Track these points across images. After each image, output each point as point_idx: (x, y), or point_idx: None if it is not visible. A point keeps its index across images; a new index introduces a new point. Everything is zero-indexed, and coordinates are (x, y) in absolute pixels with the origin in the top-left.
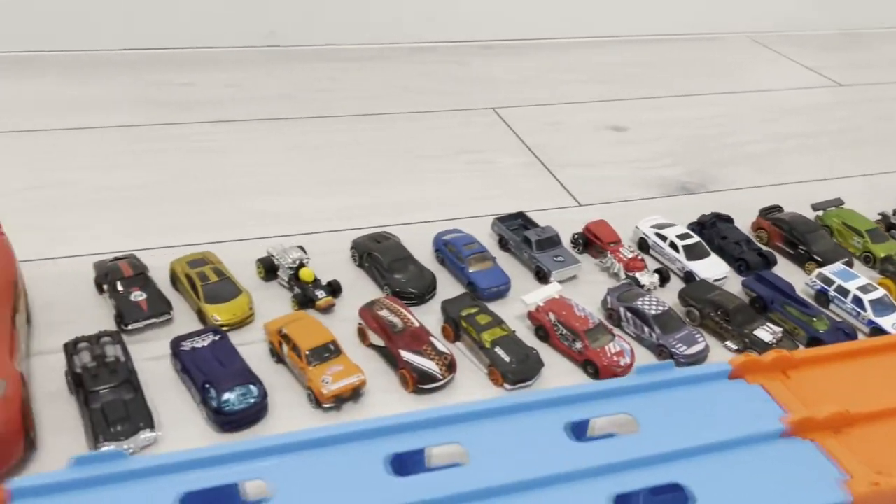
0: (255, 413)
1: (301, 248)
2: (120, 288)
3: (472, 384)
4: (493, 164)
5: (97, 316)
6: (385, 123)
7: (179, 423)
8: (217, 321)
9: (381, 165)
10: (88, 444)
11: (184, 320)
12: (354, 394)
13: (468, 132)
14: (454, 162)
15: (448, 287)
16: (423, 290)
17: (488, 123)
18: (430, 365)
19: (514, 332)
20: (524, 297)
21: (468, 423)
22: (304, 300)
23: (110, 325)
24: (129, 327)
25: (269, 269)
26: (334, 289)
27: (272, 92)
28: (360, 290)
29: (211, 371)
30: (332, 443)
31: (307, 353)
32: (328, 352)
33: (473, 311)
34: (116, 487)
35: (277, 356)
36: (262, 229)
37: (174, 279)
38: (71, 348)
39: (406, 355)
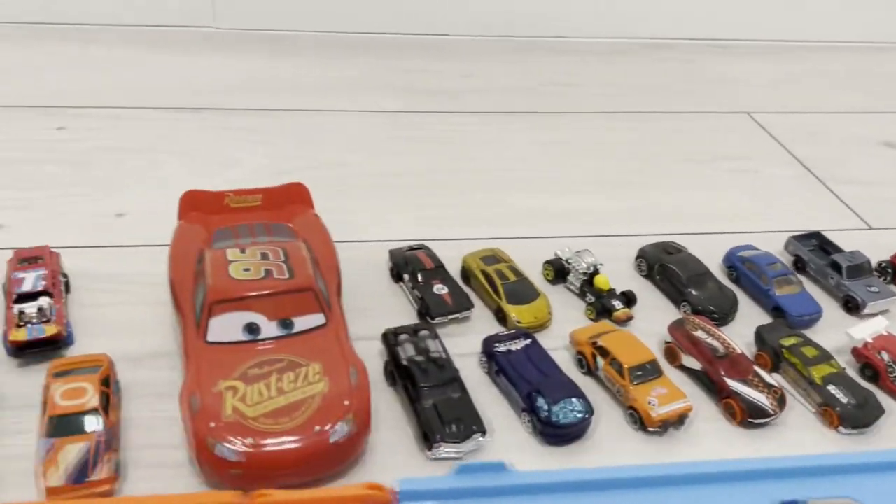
0: (582, 428)
1: (590, 251)
2: (421, 279)
3: (798, 423)
4: (758, 174)
5: (392, 304)
6: (634, 122)
7: (497, 429)
8: (518, 323)
9: (640, 168)
10: (417, 441)
11: (479, 317)
12: (679, 420)
13: (725, 137)
14: (715, 168)
15: (744, 309)
16: (725, 311)
17: (745, 129)
18: (760, 398)
19: (844, 369)
20: (850, 331)
21: (859, 476)
22: (602, 309)
23: (405, 315)
24: (435, 321)
25: (558, 271)
26: (629, 299)
27: (512, 84)
28: (647, 301)
29: (536, 379)
30: (717, 480)
31: (629, 369)
32: (649, 371)
33: (796, 341)
34: (496, 501)
35: (588, 367)
36: (531, 228)
37: (467, 274)
38: (392, 339)
39: (732, 384)
